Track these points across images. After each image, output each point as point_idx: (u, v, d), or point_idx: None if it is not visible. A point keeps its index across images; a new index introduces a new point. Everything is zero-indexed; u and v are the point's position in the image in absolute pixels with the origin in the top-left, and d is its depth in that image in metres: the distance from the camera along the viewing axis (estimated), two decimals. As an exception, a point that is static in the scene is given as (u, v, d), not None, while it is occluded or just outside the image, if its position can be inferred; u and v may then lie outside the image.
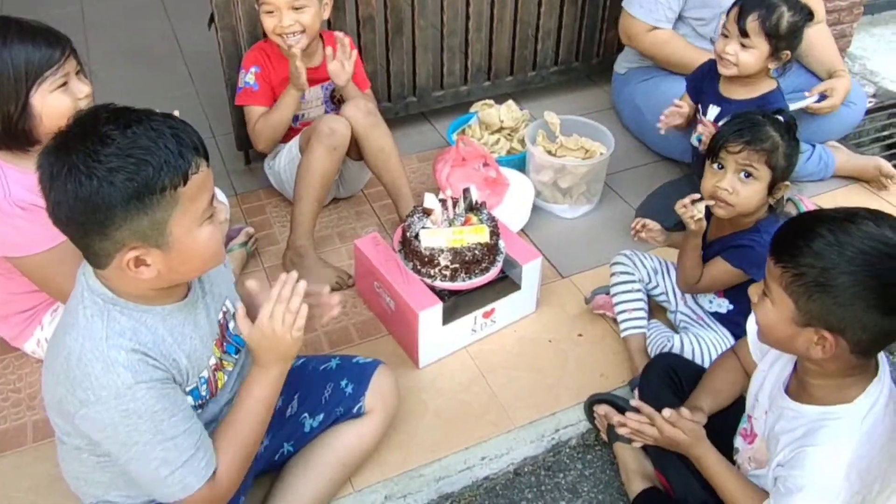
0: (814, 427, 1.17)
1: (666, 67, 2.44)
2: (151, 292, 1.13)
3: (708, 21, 2.36)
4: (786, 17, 1.89)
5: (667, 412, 1.36)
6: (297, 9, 1.99)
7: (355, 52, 2.11)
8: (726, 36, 1.95)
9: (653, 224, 1.83)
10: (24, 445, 1.62)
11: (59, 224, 1.07)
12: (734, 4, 1.95)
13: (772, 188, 1.61)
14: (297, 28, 2.01)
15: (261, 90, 2.15)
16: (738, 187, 1.59)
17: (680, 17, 2.38)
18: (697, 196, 1.63)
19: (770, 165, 1.58)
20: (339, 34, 2.08)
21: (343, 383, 1.50)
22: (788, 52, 1.94)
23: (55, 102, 1.47)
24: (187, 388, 1.19)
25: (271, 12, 2.00)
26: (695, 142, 2.11)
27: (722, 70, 1.98)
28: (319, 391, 1.49)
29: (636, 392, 1.66)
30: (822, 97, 2.34)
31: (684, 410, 1.39)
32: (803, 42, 2.49)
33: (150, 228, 1.03)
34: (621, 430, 1.42)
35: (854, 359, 1.13)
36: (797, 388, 1.24)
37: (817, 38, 2.50)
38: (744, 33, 1.90)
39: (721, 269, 1.66)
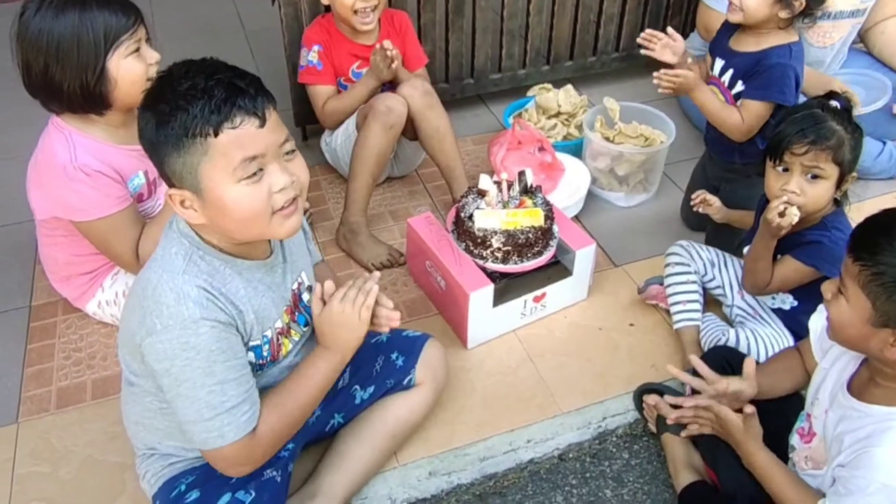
0: (880, 427, 1.13)
1: None
2: (233, 246, 1.17)
3: None
4: None
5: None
6: None
7: (398, 63, 2.08)
8: None
9: (713, 199, 1.78)
10: (84, 402, 1.68)
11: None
12: None
13: (840, 183, 1.54)
14: (374, 3, 2.04)
15: (325, 69, 2.17)
16: (805, 188, 1.52)
17: None
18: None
19: (837, 162, 1.50)
20: (387, 45, 2.03)
21: (394, 356, 1.51)
22: (802, 1, 1.74)
23: (129, 67, 1.52)
24: (250, 344, 1.21)
25: None
26: None
27: (729, 16, 1.84)
28: (370, 364, 1.50)
29: (688, 385, 1.63)
30: None
31: (740, 378, 1.39)
32: (882, 36, 2.40)
33: (183, 169, 1.08)
34: (674, 416, 1.40)
35: None
36: (861, 387, 1.20)
37: (894, 32, 2.40)
38: None
39: (791, 268, 1.59)
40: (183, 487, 1.27)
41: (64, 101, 1.53)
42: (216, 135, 1.05)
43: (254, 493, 1.23)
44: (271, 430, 1.20)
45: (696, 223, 2.11)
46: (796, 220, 1.51)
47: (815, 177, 1.52)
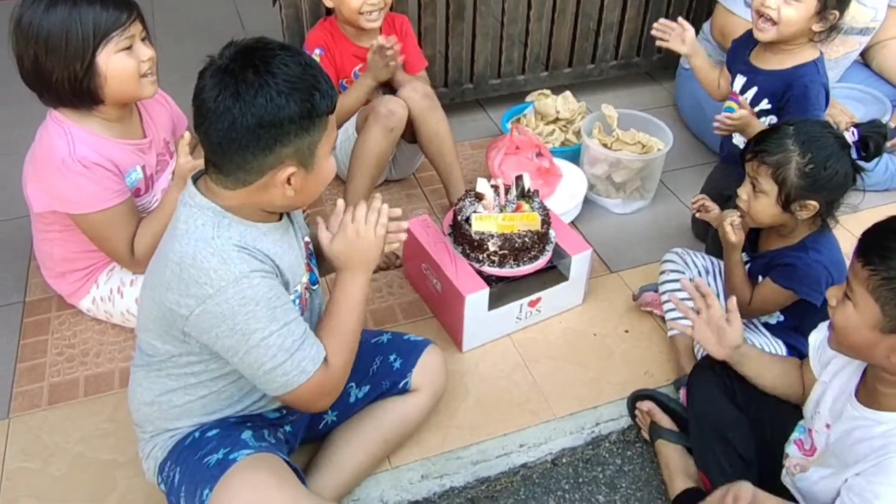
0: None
1: None
2: (256, 213, 1.18)
3: None
4: None
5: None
6: None
7: (397, 62, 2.08)
8: None
9: (712, 205, 1.77)
10: (76, 398, 1.67)
11: (225, 142, 1.09)
12: None
13: (787, 205, 1.51)
14: (380, 4, 2.04)
15: None
16: (751, 197, 1.55)
17: None
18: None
19: (777, 180, 1.49)
20: (391, 39, 2.05)
21: (392, 357, 1.51)
22: (836, 13, 1.70)
23: (119, 63, 1.51)
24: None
25: None
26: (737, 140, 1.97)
27: (758, 35, 1.78)
28: (368, 363, 1.50)
29: (682, 392, 1.63)
30: None
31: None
32: (882, 50, 2.40)
33: (307, 148, 1.12)
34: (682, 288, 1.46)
35: None
36: (868, 395, 1.19)
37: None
38: None
39: (770, 290, 1.60)
40: (198, 434, 1.28)
41: (54, 93, 1.52)
42: (332, 112, 1.13)
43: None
44: (338, 351, 1.23)
45: (703, 233, 2.11)
46: (734, 221, 1.57)
47: (756, 189, 1.53)
